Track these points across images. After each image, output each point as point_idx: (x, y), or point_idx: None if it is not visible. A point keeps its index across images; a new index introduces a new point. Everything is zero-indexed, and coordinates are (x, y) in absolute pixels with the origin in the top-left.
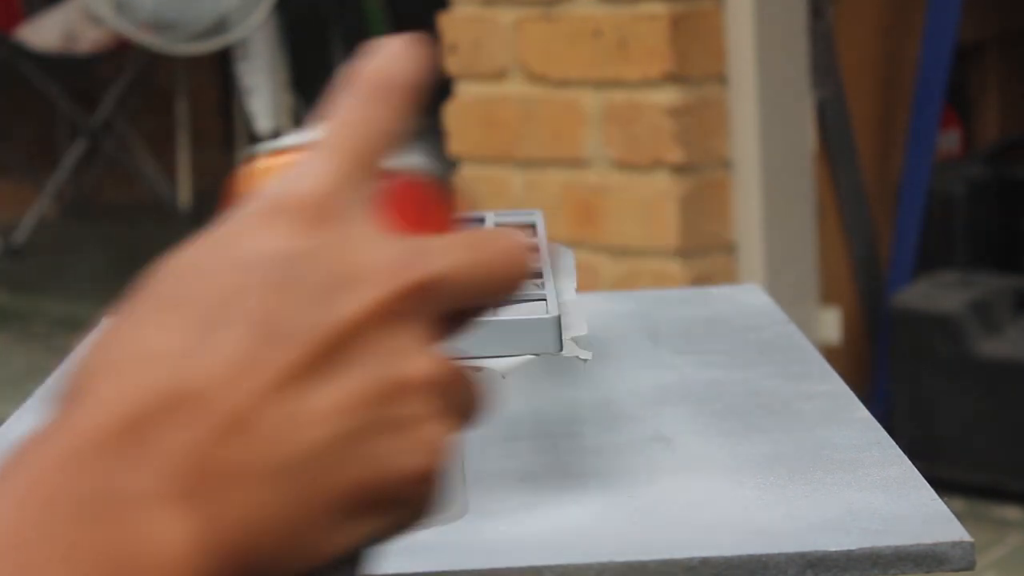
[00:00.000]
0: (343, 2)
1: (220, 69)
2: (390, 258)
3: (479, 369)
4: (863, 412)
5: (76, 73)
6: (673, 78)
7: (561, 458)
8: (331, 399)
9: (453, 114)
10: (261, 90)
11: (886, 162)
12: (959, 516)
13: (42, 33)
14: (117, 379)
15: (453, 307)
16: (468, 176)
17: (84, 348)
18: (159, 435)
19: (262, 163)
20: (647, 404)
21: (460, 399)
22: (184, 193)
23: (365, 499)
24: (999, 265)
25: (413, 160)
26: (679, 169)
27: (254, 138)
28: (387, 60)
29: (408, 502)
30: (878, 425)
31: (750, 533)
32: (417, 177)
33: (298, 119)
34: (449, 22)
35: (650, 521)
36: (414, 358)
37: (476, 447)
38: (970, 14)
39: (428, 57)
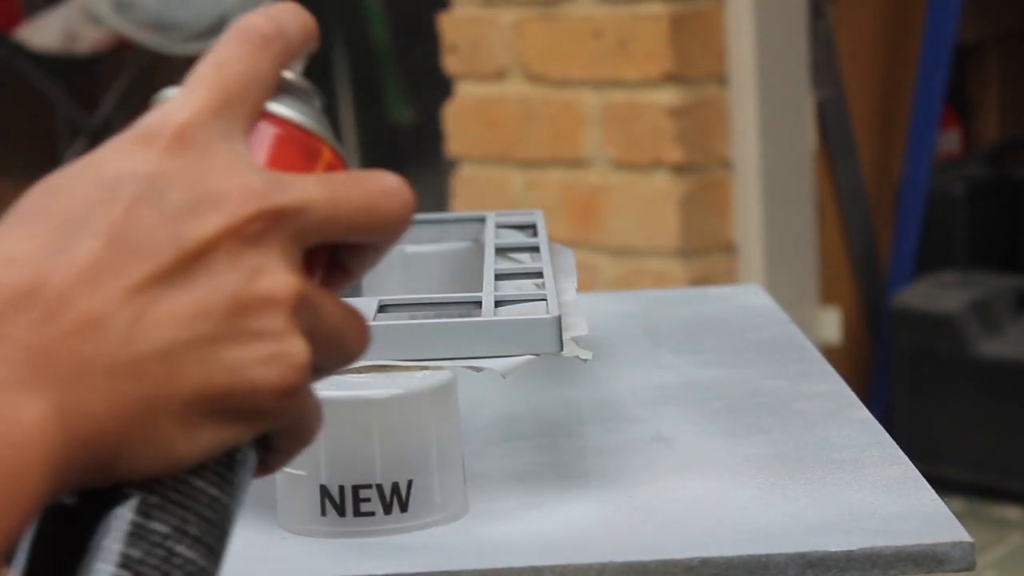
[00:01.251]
0: (343, 2)
1: None
2: (249, 184)
3: (356, 310)
4: (863, 412)
5: (76, 73)
6: (673, 78)
7: (561, 458)
8: (182, 305)
9: (453, 114)
10: None
11: (886, 162)
12: (959, 516)
13: (42, 33)
14: None
15: (319, 239)
16: (468, 176)
17: None
18: (12, 326)
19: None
20: (647, 404)
21: (327, 325)
22: None
23: (216, 405)
24: (999, 265)
25: (290, 110)
26: (679, 169)
27: None
28: (266, 14)
29: (266, 414)
30: (878, 425)
31: (750, 533)
32: (294, 126)
33: None
34: (449, 22)
35: (650, 521)
36: (270, 277)
37: (476, 447)
38: (970, 14)
39: (308, 17)
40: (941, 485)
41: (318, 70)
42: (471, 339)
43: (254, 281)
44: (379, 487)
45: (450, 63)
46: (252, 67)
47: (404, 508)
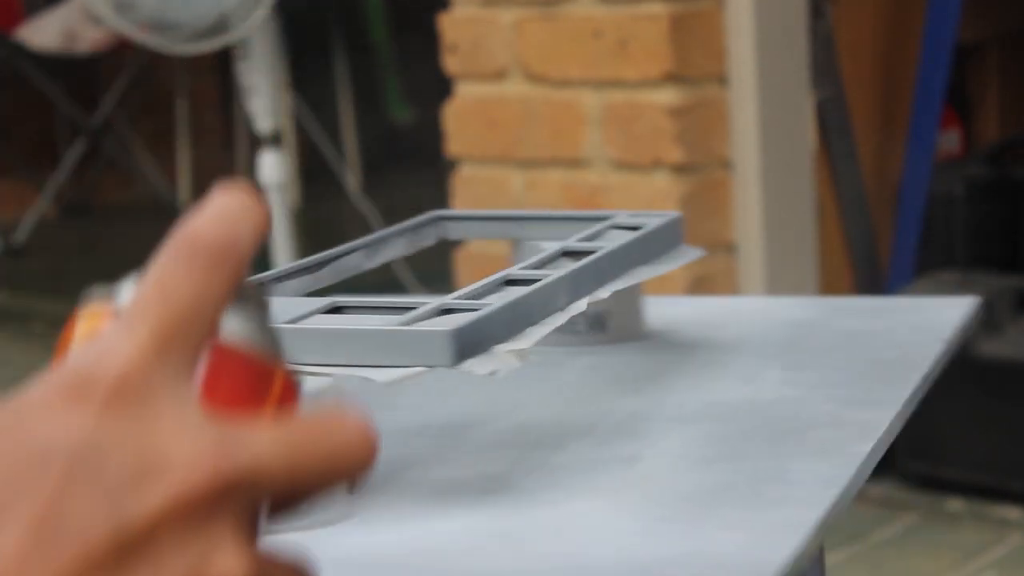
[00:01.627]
0: (343, 2)
1: (220, 69)
2: (199, 447)
3: (302, 556)
4: (864, 447)
5: (76, 73)
6: (673, 78)
7: (499, 471)
8: None
9: (453, 114)
10: (261, 90)
11: (886, 162)
12: (959, 516)
13: (42, 33)
14: None
15: (273, 498)
16: (468, 176)
17: None
18: None
19: (93, 311)
20: (666, 420)
21: None
22: (184, 193)
23: None
24: (999, 265)
25: (237, 329)
26: (679, 169)
27: (254, 138)
28: (215, 219)
29: None
30: (859, 461)
31: (582, 568)
32: (241, 350)
33: (298, 119)
34: (449, 22)
35: (503, 544)
36: (222, 559)
37: (443, 452)
38: (970, 14)
39: (262, 215)
40: (941, 485)
41: (318, 70)
42: (367, 348)
43: (204, 565)
44: None
45: (450, 63)
46: (202, 291)
47: None
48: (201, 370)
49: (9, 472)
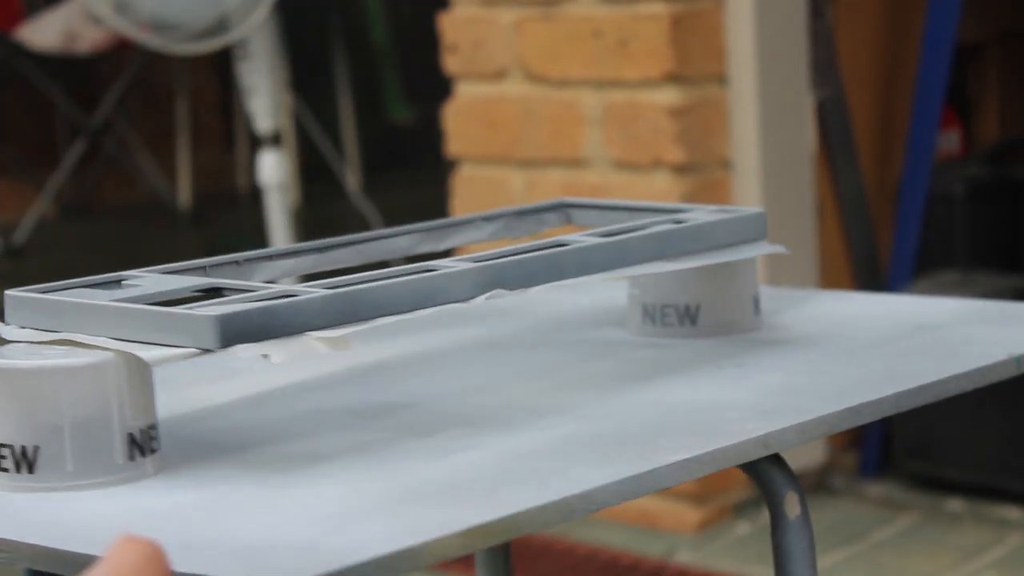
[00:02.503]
0: (343, 2)
1: (220, 69)
2: None
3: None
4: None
5: (76, 73)
6: (673, 78)
7: (323, 442)
8: None
9: (453, 114)
10: (261, 90)
11: (886, 162)
12: (959, 516)
13: (42, 33)
14: None
15: None
16: (468, 176)
17: None
18: None
19: None
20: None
21: None
22: (184, 193)
23: None
24: (999, 265)
25: None
26: (679, 169)
27: (254, 138)
28: None
29: None
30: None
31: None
32: None
33: (298, 119)
34: (449, 22)
35: (186, 516)
36: None
37: (353, 423)
38: (970, 14)
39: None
40: (941, 485)
41: (318, 70)
42: (145, 326)
43: None
44: (11, 447)
45: (450, 63)
46: None
47: (31, 470)
48: None
49: None
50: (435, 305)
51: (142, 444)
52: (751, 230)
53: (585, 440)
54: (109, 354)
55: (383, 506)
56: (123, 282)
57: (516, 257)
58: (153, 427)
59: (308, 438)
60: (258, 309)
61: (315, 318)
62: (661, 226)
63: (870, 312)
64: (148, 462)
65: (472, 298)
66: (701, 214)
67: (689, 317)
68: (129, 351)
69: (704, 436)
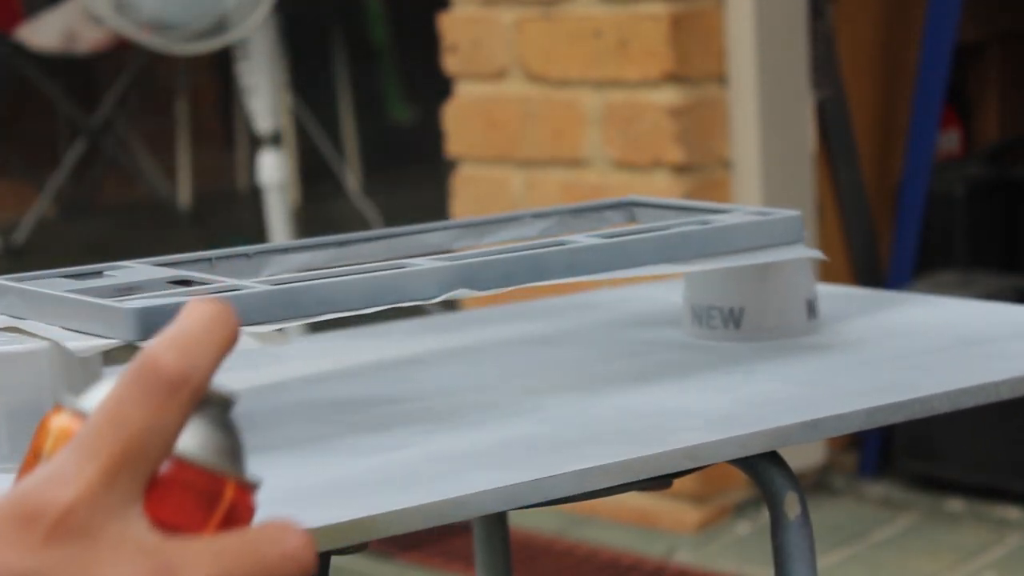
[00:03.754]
0: (343, 2)
1: (220, 69)
2: (135, 574)
3: None
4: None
5: (76, 73)
6: (673, 78)
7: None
8: None
9: (453, 114)
10: (261, 90)
11: (886, 162)
12: (959, 516)
13: (42, 33)
14: None
15: None
16: (468, 176)
17: None
18: None
19: (61, 421)
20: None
21: None
22: (184, 193)
23: None
24: (999, 265)
25: (193, 446)
26: (679, 169)
27: (254, 138)
28: (177, 347)
29: None
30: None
31: None
32: (194, 468)
33: (298, 119)
34: (449, 22)
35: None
36: None
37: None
38: (970, 14)
39: (229, 330)
40: (941, 485)
41: (318, 70)
42: (76, 316)
43: None
44: None
45: (450, 63)
46: (155, 422)
47: None
48: (154, 489)
49: None
50: (392, 303)
51: None
52: (784, 233)
53: (518, 443)
54: (45, 343)
55: (266, 501)
56: (105, 272)
57: (490, 257)
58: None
59: (268, 430)
60: (180, 303)
61: (253, 312)
62: (678, 228)
63: (948, 317)
64: None
65: (434, 298)
66: (737, 216)
67: (733, 320)
68: (58, 340)
69: (628, 445)
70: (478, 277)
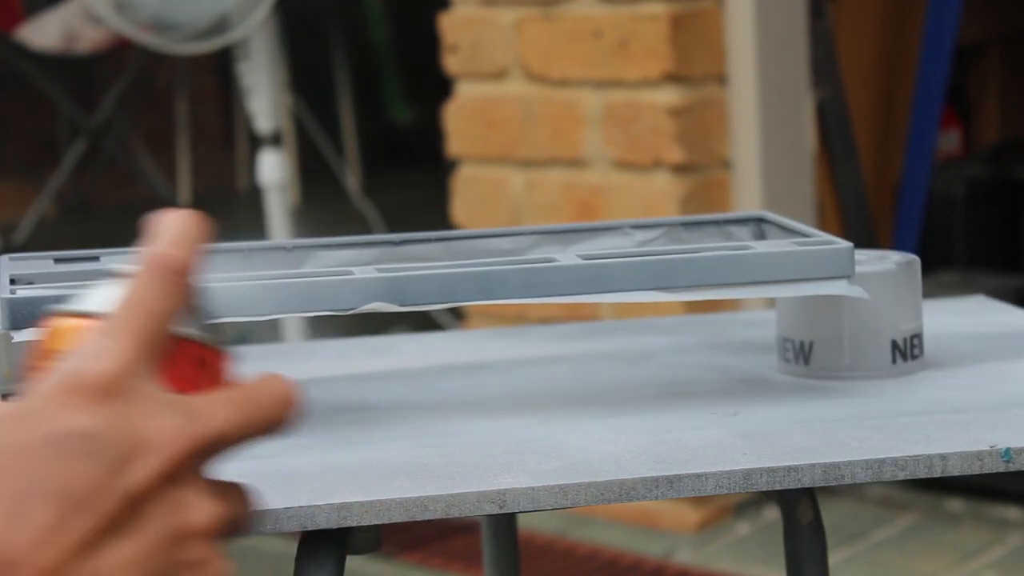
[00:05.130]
0: (343, 2)
1: (220, 69)
2: (171, 425)
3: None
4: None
5: (76, 73)
6: (673, 78)
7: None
8: (127, 553)
9: (453, 114)
10: (261, 90)
11: (886, 162)
12: (959, 516)
13: (42, 33)
14: None
15: (227, 452)
16: (468, 176)
17: None
18: None
19: (68, 323)
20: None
21: (237, 522)
22: (184, 193)
23: None
24: (999, 265)
25: (189, 328)
26: (679, 169)
27: (254, 138)
28: (174, 244)
29: None
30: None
31: None
32: (189, 342)
33: (298, 119)
34: (449, 22)
35: None
36: (196, 508)
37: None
38: (970, 14)
39: (205, 235)
40: (941, 485)
41: (318, 70)
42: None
43: (184, 516)
44: None
45: (450, 63)
46: (168, 306)
47: None
48: (162, 362)
49: (30, 457)
50: (305, 312)
51: None
52: (827, 266)
53: (414, 461)
54: None
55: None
56: (101, 258)
57: (424, 272)
58: (9, 396)
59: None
60: (54, 295)
61: None
62: (672, 255)
63: None
64: None
65: (352, 309)
66: (779, 245)
67: (803, 355)
68: None
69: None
70: (407, 292)
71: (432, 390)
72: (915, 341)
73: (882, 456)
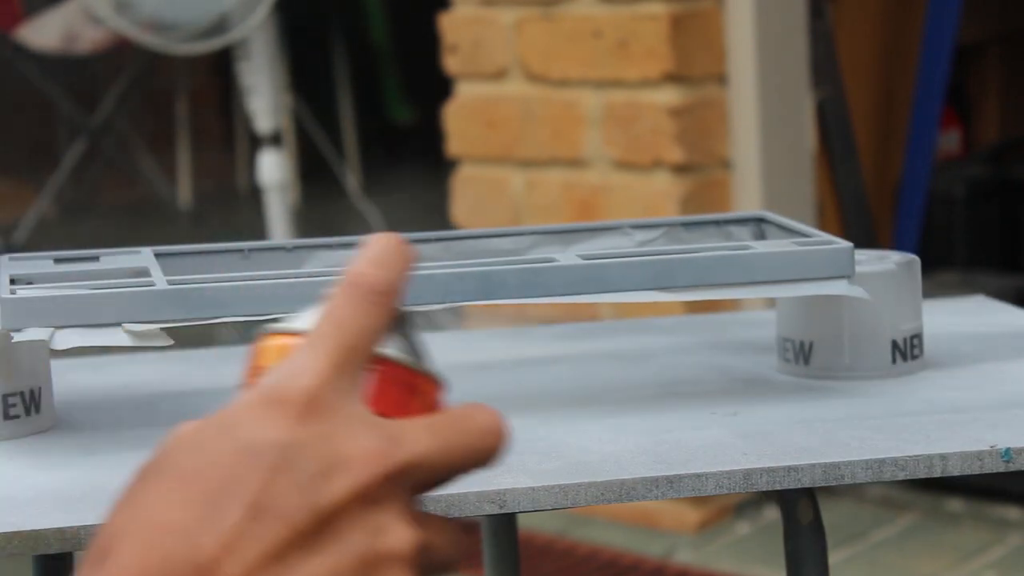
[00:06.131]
0: (343, 2)
1: (220, 69)
2: (370, 446)
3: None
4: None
5: (76, 73)
6: (673, 78)
7: None
8: (316, 570)
9: (453, 114)
10: (261, 90)
11: (886, 162)
12: (959, 516)
13: (42, 33)
14: (133, 546)
15: (428, 483)
16: (468, 176)
17: (108, 509)
18: None
19: (276, 341)
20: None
21: (440, 556)
22: (184, 193)
23: None
24: (999, 265)
25: (394, 350)
26: (679, 169)
27: (254, 138)
28: (376, 264)
29: None
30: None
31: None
32: (397, 365)
33: (298, 119)
34: (449, 22)
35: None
36: (392, 534)
37: None
38: (970, 14)
39: (410, 258)
40: (941, 485)
41: (318, 70)
42: None
43: (379, 540)
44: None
45: (450, 63)
46: (368, 325)
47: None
48: (368, 383)
49: (225, 465)
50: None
51: None
52: (826, 266)
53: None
54: None
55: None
56: (101, 258)
57: (421, 272)
58: (8, 395)
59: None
60: (53, 295)
61: (138, 311)
62: (670, 255)
63: None
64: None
65: None
66: (779, 244)
67: (803, 355)
68: None
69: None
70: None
71: None
72: (915, 341)
73: (882, 456)
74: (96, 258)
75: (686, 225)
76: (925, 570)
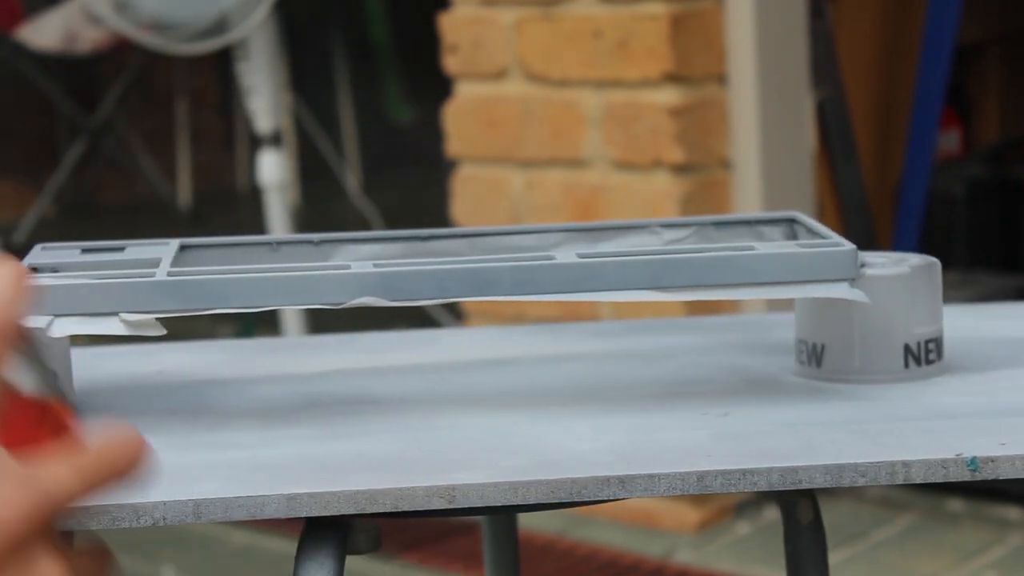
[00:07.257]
0: (343, 2)
1: (220, 69)
2: (7, 490)
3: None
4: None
5: (76, 73)
6: (673, 78)
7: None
8: None
9: (453, 114)
10: (261, 90)
11: (886, 162)
12: (959, 516)
13: (42, 33)
14: None
15: (70, 511)
16: (468, 176)
17: None
18: None
19: None
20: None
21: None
22: (184, 193)
23: None
24: (999, 265)
25: (20, 378)
26: (679, 169)
27: (254, 138)
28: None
29: None
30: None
31: None
32: (22, 396)
33: (298, 119)
34: (449, 22)
35: None
36: (43, 570)
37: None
38: (970, 14)
39: (27, 287)
40: (941, 485)
41: (318, 70)
42: None
43: None
44: None
45: (450, 63)
46: None
47: None
48: None
49: None
50: (296, 305)
51: None
52: (824, 269)
53: (381, 456)
54: None
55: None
56: (127, 248)
57: (416, 268)
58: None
59: (206, 418)
60: (51, 286)
61: (142, 300)
62: (695, 254)
63: None
64: None
65: (343, 303)
66: (779, 246)
67: (816, 357)
68: None
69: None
70: (399, 287)
71: (424, 386)
72: (931, 346)
73: (880, 460)
74: (122, 248)
75: (716, 224)
76: (925, 570)
